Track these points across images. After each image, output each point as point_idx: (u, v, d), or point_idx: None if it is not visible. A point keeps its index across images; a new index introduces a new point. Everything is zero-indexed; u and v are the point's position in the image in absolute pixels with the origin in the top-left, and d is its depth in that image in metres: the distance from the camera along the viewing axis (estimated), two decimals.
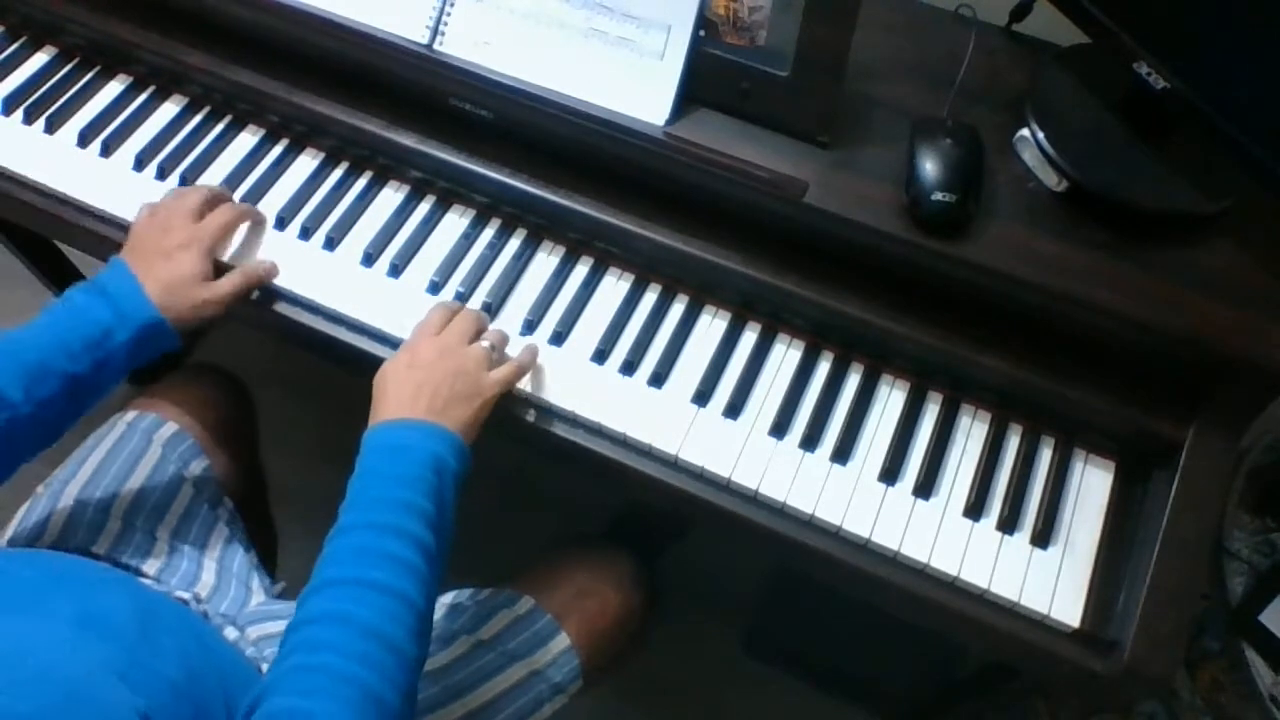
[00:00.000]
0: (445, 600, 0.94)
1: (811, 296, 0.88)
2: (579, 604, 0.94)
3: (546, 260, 0.96)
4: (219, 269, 0.91)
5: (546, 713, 0.89)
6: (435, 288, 0.93)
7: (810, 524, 0.85)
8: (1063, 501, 0.86)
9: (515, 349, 0.89)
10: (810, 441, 0.87)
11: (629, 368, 0.90)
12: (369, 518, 0.69)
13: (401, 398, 0.77)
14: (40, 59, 1.08)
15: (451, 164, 0.95)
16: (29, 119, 1.03)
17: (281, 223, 0.96)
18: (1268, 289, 0.82)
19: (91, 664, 0.56)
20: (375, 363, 0.91)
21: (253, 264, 0.92)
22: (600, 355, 0.91)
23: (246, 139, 1.03)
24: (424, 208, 0.98)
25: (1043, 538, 0.84)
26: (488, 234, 0.97)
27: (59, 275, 1.51)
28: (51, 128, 1.02)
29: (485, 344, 0.83)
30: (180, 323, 0.85)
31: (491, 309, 0.93)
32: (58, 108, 1.03)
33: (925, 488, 0.86)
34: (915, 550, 0.83)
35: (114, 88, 1.06)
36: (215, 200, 0.93)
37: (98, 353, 0.79)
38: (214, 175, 0.99)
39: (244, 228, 0.96)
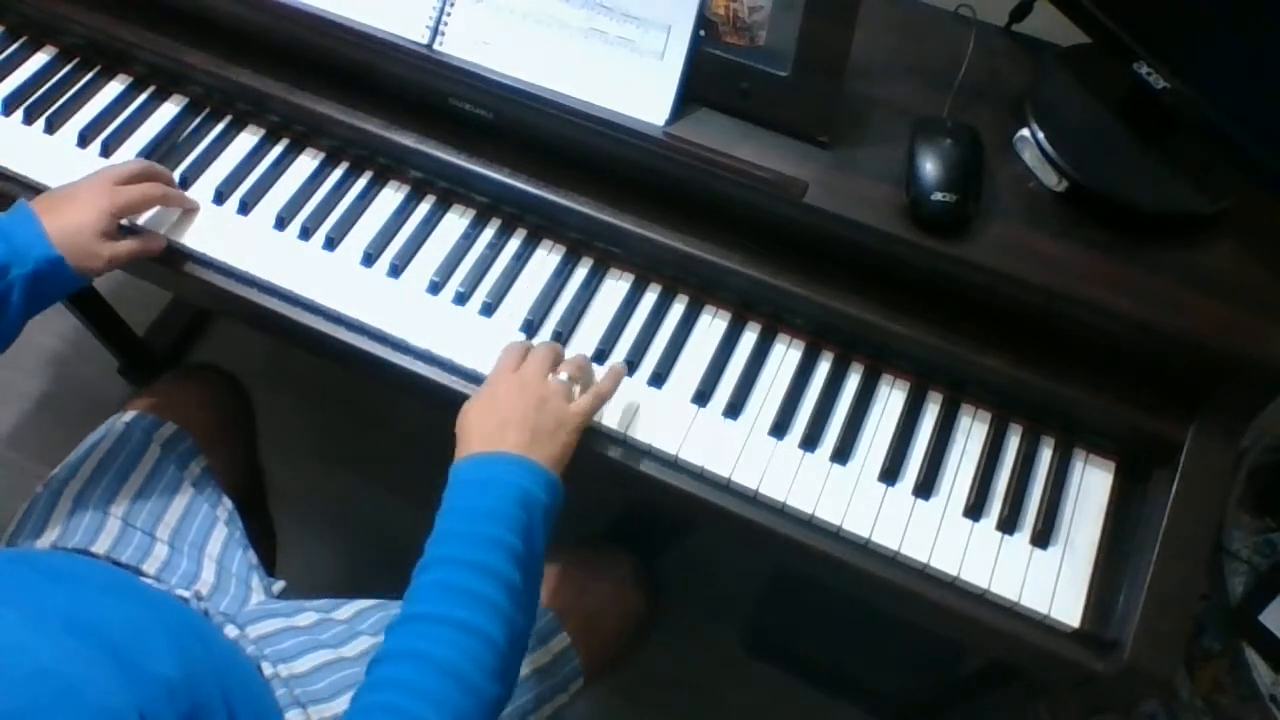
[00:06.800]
0: None
1: (811, 296, 0.88)
2: (579, 603, 0.94)
3: (546, 260, 0.96)
4: None
5: (547, 711, 0.89)
6: (435, 288, 0.93)
7: (810, 524, 0.85)
8: (1063, 501, 0.86)
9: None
10: (810, 441, 0.87)
11: (629, 368, 0.90)
12: (454, 553, 0.69)
13: (486, 434, 0.75)
14: (40, 59, 1.07)
15: (451, 164, 0.95)
16: (29, 119, 1.03)
17: (281, 223, 0.96)
18: (1268, 289, 0.82)
19: (86, 663, 0.56)
20: (375, 363, 0.91)
21: (150, 236, 0.93)
22: (600, 356, 0.91)
23: (246, 139, 1.03)
24: (424, 208, 0.98)
25: (1043, 538, 0.84)
26: (488, 234, 0.97)
27: None
28: (51, 128, 1.02)
29: (564, 375, 0.82)
30: (76, 267, 0.84)
31: (491, 309, 0.93)
32: (58, 108, 1.03)
33: (925, 488, 0.86)
34: (915, 550, 0.83)
35: (114, 88, 1.06)
36: (146, 175, 0.92)
37: None
38: (214, 175, 0.99)
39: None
